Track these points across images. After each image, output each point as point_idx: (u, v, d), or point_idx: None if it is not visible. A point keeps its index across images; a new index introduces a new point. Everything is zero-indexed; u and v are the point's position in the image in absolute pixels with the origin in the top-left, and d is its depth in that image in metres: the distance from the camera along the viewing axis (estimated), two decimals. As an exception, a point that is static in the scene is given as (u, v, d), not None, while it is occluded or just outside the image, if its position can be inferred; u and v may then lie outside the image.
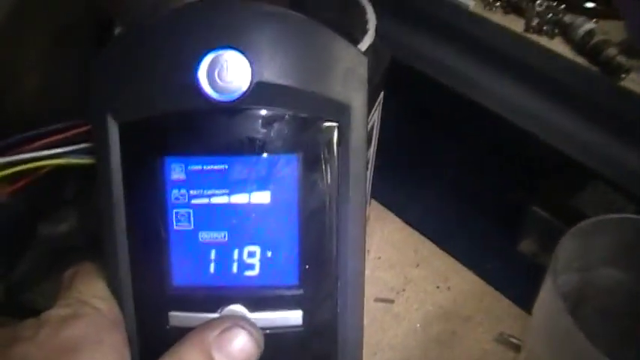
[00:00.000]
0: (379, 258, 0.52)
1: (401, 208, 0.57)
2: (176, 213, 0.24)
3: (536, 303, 0.35)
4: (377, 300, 0.49)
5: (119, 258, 0.24)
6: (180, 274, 0.24)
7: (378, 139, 0.50)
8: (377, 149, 0.50)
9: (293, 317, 0.24)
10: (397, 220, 0.56)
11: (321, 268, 0.24)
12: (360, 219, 0.24)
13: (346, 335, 0.24)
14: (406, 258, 0.53)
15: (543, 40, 0.46)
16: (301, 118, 0.23)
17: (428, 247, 0.54)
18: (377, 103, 0.45)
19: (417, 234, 0.55)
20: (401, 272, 0.51)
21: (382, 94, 0.45)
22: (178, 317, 0.24)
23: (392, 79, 0.44)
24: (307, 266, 0.24)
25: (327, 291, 0.24)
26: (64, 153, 0.26)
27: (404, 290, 0.50)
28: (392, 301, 0.49)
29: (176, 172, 0.24)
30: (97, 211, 0.24)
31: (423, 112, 0.58)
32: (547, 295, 0.33)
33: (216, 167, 0.23)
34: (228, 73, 0.22)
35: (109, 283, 0.25)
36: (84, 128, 0.27)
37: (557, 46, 0.46)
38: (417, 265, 0.52)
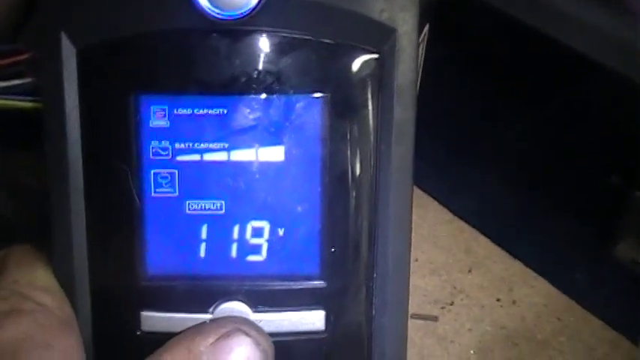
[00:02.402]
0: (417, 260, 0.53)
1: (448, 195, 0.58)
2: (155, 174, 0.24)
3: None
4: (415, 317, 0.50)
5: (72, 236, 0.25)
6: (159, 258, 0.25)
7: (419, 93, 0.50)
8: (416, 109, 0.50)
9: (312, 320, 0.25)
10: (442, 210, 0.57)
11: (351, 253, 0.25)
12: (407, 186, 0.25)
13: (384, 345, 0.25)
14: (455, 261, 0.53)
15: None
16: (329, 46, 0.24)
17: (485, 246, 0.54)
18: (419, 39, 0.45)
19: (469, 229, 0.56)
20: (448, 280, 0.52)
21: (427, 27, 0.45)
22: (154, 319, 0.25)
23: (442, 6, 0.44)
24: (333, 249, 0.25)
25: (359, 284, 0.25)
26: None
27: (452, 304, 0.51)
28: (435, 319, 0.50)
29: (156, 117, 0.24)
30: (41, 170, 0.25)
31: (485, 56, 0.58)
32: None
33: (211, 111, 0.24)
34: (231, -21, 0.23)
35: (56, 269, 0.25)
36: (21, 57, 0.27)
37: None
38: (470, 271, 0.53)
